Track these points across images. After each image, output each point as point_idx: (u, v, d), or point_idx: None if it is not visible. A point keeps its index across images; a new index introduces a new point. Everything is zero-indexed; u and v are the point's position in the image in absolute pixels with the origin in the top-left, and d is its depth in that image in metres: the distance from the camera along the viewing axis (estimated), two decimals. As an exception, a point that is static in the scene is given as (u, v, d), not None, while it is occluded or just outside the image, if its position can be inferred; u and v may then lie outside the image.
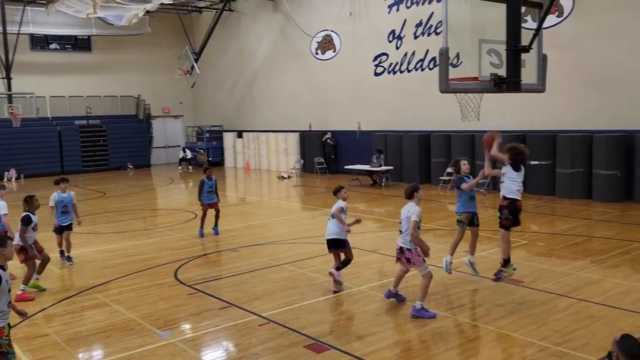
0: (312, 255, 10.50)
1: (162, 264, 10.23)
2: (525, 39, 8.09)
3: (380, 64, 22.38)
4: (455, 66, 8.10)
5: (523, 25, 8.36)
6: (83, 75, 30.51)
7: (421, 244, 7.11)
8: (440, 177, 18.88)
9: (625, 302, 7.49)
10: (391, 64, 21.93)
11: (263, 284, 8.86)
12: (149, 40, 31.08)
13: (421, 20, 20.50)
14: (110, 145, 30.39)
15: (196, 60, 28.67)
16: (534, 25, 8.65)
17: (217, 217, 12.73)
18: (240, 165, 29.48)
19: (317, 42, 24.97)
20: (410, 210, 7.15)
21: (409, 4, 20.95)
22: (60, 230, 10.40)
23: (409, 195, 7.31)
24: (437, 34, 19.74)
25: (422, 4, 20.41)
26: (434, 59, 19.94)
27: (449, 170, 18.76)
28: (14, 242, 8.25)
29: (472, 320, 7.05)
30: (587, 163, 15.68)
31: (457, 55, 8.12)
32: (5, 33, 25.61)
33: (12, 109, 24.96)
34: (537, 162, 16.68)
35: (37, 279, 8.91)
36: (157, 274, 9.66)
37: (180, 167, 30.06)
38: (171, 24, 30.75)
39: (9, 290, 4.90)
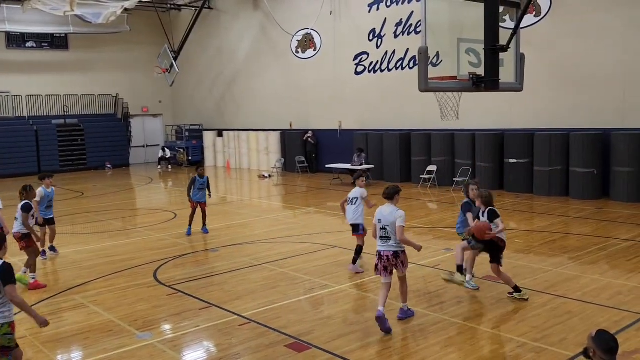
0: (293, 255, 10.49)
1: (142, 265, 10.13)
2: (503, 39, 8.18)
3: (360, 63, 22.43)
4: (435, 65, 8.16)
5: (501, 24, 8.46)
6: (60, 74, 30.09)
7: (414, 244, 6.97)
8: (421, 176, 18.99)
9: (602, 297, 7.61)
10: (372, 62, 21.99)
11: (244, 284, 8.83)
12: (127, 39, 30.77)
13: (401, 19, 20.59)
14: (88, 145, 30.00)
15: (175, 59, 28.42)
16: (512, 24, 8.74)
17: (204, 216, 12.74)
18: (221, 165, 29.34)
19: (298, 40, 24.93)
20: (395, 215, 6.73)
21: (389, 3, 21.02)
22: (45, 223, 10.60)
23: (391, 197, 6.93)
24: (417, 33, 19.83)
25: (402, 3, 20.50)
26: (414, 58, 20.04)
27: (429, 168, 18.90)
28: (14, 231, 8.88)
29: (452, 317, 7.10)
30: (564, 161, 15.89)
31: (437, 55, 8.19)
32: (-20, 31, 25.17)
33: (-13, 108, 24.53)
34: (515, 161, 16.88)
35: (25, 272, 8.94)
36: (136, 274, 9.56)
37: (159, 167, 29.80)
38: (150, 22, 30.46)
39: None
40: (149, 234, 12.98)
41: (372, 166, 20.40)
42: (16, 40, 29.18)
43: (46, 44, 30.14)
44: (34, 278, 8.96)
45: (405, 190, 18.03)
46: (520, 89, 8.99)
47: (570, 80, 16.30)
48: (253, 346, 6.40)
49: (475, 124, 17.85)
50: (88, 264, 10.40)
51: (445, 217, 13.96)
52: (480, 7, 8.14)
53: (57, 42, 30.32)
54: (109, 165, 30.00)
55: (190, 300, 8.08)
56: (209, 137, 30.23)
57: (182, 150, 30.70)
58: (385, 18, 21.18)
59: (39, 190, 10.36)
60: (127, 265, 10.11)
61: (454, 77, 7.95)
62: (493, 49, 8.02)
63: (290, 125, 25.90)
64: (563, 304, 7.42)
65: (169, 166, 29.72)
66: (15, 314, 5.08)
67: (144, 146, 33.36)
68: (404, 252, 6.86)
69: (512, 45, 8.34)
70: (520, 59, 8.73)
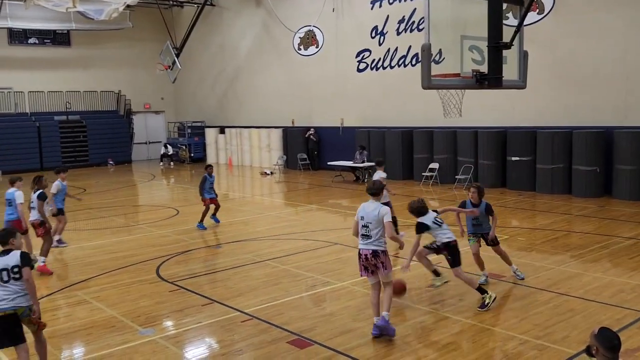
0: (295, 252, 10.50)
1: (144, 261, 10.15)
2: (506, 36, 8.16)
3: (363, 60, 22.40)
4: (437, 62, 8.15)
5: (504, 22, 8.43)
6: (62, 70, 30.10)
7: (400, 241, 6.88)
8: (423, 174, 18.98)
9: (604, 295, 7.61)
10: (374, 60, 21.97)
11: (246, 280, 8.84)
12: (129, 35, 30.76)
13: (404, 16, 20.56)
14: (90, 141, 30.04)
15: (177, 56, 28.43)
16: (515, 22, 8.73)
17: (216, 209, 13.34)
18: (223, 161, 29.35)
19: (300, 37, 24.92)
20: (381, 211, 6.37)
21: (391, 0, 20.98)
22: (58, 213, 11.23)
23: (377, 193, 6.58)
24: (419, 30, 19.81)
25: (405, 0, 20.46)
26: (416, 55, 20.01)
27: (431, 166, 18.88)
28: (32, 219, 9.59)
29: (454, 315, 7.10)
30: (567, 159, 15.87)
31: (440, 52, 8.17)
32: (-18, 27, 25.17)
33: (-11, 104, 24.57)
34: (517, 158, 16.86)
35: (34, 257, 9.22)
36: (139, 270, 9.58)
37: (161, 163, 29.82)
38: (152, 18, 30.44)
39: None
40: (151, 231, 13.00)
41: (374, 164, 20.35)
42: (18, 37, 29.19)
43: (48, 41, 30.14)
44: (43, 262, 9.48)
45: (407, 188, 18.09)
46: (523, 87, 8.98)
47: (572, 78, 16.27)
48: (255, 342, 6.41)
49: (478, 122, 17.82)
50: (90, 260, 10.42)
51: (447, 215, 13.92)
52: (483, 4, 8.12)
53: (59, 38, 30.32)
54: (111, 162, 30.03)
55: (192, 297, 8.09)
56: (211, 134, 30.23)
57: (184, 147, 30.72)
58: (388, 15, 21.15)
59: (56, 184, 11.02)
60: (129, 262, 10.12)
61: (457, 75, 7.94)
62: (496, 46, 8.01)
63: (293, 123, 25.89)
64: (565, 301, 7.42)
65: (171, 163, 29.74)
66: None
67: (146, 143, 33.38)
68: (384, 252, 6.41)
69: (516, 42, 8.32)
70: (524, 56, 8.71)
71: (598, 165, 15.33)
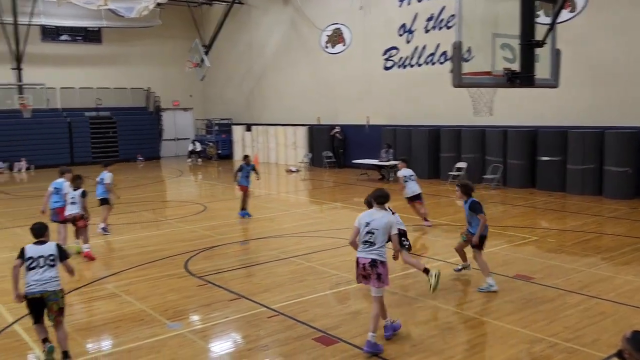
0: (320, 249, 10.51)
1: (172, 256, 10.27)
2: (537, 34, 8.03)
3: (390, 58, 22.30)
4: (467, 60, 8.06)
5: (535, 20, 8.29)
6: (93, 67, 30.62)
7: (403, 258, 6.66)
8: (450, 172, 18.81)
9: (637, 299, 7.45)
10: (401, 57, 21.84)
11: (271, 277, 8.88)
12: (159, 33, 31.12)
13: (432, 14, 20.39)
14: (120, 137, 30.53)
15: (206, 53, 28.69)
16: (546, 20, 8.59)
17: (245, 199, 13.98)
18: (249, 159, 29.48)
19: (327, 35, 24.90)
20: (390, 219, 6.21)
21: (420, -2, 20.84)
22: (102, 203, 12.47)
23: (384, 202, 6.34)
24: (448, 27, 19.63)
25: (434, -3, 20.30)
26: (444, 53, 19.84)
27: (459, 165, 18.71)
28: (75, 212, 10.09)
29: (481, 316, 7.03)
30: (598, 159, 15.57)
31: (469, 50, 8.08)
32: (16, 24, 25.74)
33: (22, 100, 25.11)
34: (547, 158, 16.60)
35: (78, 243, 10.45)
36: (167, 265, 9.70)
37: (189, 160, 30.13)
38: (181, 16, 30.77)
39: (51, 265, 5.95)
40: (179, 226, 13.15)
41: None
42: (51, 34, 29.78)
43: (80, 38, 30.69)
44: (88, 248, 10.26)
45: (433, 187, 17.96)
46: (555, 85, 8.83)
47: (604, 77, 15.94)
48: (281, 338, 6.43)
49: (507, 121, 17.58)
50: (120, 254, 10.61)
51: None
52: (516, 1, 8.01)
53: (90, 35, 30.85)
54: (140, 158, 30.45)
55: (219, 292, 8.16)
56: (237, 132, 30.44)
57: (211, 144, 30.98)
58: (417, 13, 21.00)
59: (110, 175, 12.47)
60: (158, 256, 10.26)
61: (488, 73, 7.84)
62: (529, 44, 7.88)
63: (318, 120, 25.91)
64: (596, 304, 7.28)
65: (199, 159, 30.02)
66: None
67: (174, 139, 33.77)
68: (383, 263, 6.10)
69: (548, 40, 8.18)
70: (556, 55, 8.56)
71: (630, 166, 15.00)
